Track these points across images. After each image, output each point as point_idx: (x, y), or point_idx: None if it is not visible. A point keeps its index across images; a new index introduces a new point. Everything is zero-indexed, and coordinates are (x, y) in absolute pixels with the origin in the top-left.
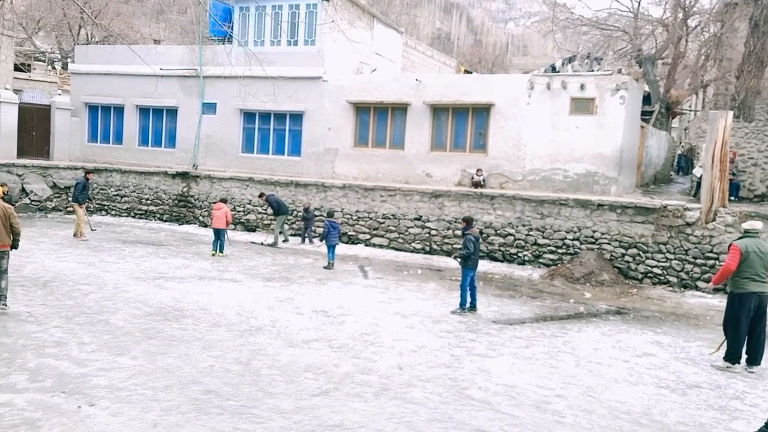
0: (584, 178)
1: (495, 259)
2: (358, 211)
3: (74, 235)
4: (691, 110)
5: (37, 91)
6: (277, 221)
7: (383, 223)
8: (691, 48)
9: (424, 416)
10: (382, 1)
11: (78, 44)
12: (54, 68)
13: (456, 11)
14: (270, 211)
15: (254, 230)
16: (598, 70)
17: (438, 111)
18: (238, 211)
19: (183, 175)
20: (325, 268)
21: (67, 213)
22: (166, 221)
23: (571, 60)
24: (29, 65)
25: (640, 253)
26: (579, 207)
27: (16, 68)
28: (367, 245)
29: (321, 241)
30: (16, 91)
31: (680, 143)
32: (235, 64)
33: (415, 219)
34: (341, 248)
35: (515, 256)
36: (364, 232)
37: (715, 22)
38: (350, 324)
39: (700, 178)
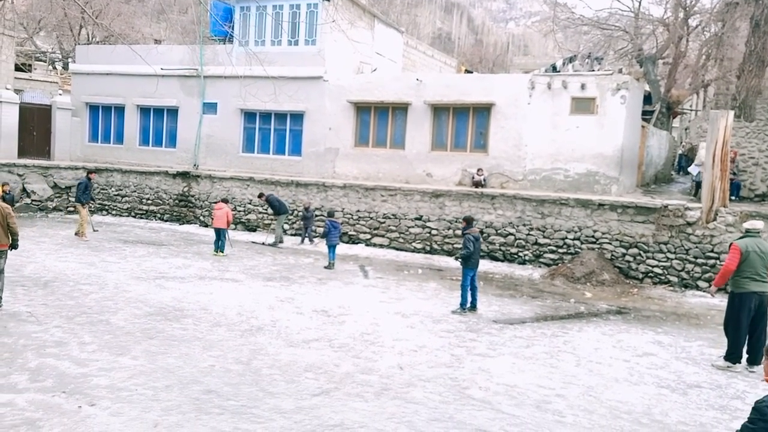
0: (585, 177)
1: (496, 259)
2: (358, 211)
3: (76, 233)
4: (691, 110)
5: (38, 91)
6: (278, 221)
7: (384, 222)
8: (691, 47)
9: (424, 416)
10: (383, 1)
11: (79, 44)
12: (55, 68)
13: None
14: (271, 210)
15: (255, 230)
16: (598, 70)
17: (439, 111)
18: (239, 211)
19: (184, 175)
20: (325, 267)
21: (68, 213)
22: (166, 221)
23: (571, 60)
24: (30, 65)
25: (641, 252)
26: (580, 207)
27: (17, 68)
28: (367, 245)
29: (321, 238)
30: (17, 91)
31: (681, 143)
32: (235, 64)
33: (416, 219)
34: (342, 248)
35: (516, 256)
36: (365, 232)
37: (716, 22)
38: (351, 324)
39: (697, 175)
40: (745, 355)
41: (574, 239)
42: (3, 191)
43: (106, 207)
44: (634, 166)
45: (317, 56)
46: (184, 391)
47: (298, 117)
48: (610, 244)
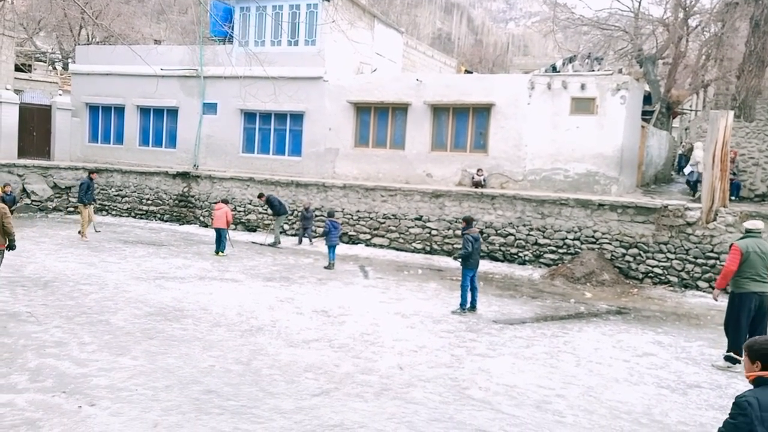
0: (585, 177)
1: (495, 259)
2: (358, 211)
3: (79, 232)
4: (691, 110)
5: (38, 91)
6: (277, 221)
7: (384, 223)
8: (691, 48)
9: (424, 416)
10: (383, 1)
11: (79, 44)
12: (55, 68)
13: (456, 11)
14: (270, 211)
15: (255, 230)
16: (598, 70)
17: (438, 111)
18: (239, 211)
19: (183, 175)
20: (325, 268)
21: (68, 213)
22: (166, 221)
23: (571, 60)
24: (30, 65)
25: (641, 252)
26: (579, 207)
27: (17, 68)
28: (367, 245)
29: (321, 238)
30: (17, 92)
31: (681, 143)
32: (235, 65)
33: (416, 219)
34: (342, 248)
35: (516, 256)
36: (365, 232)
37: (715, 22)
38: (351, 324)
39: (689, 174)
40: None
41: (574, 239)
42: (4, 192)
43: (106, 207)
44: (634, 167)
45: (317, 56)
46: (184, 391)
47: (298, 117)
48: (610, 244)
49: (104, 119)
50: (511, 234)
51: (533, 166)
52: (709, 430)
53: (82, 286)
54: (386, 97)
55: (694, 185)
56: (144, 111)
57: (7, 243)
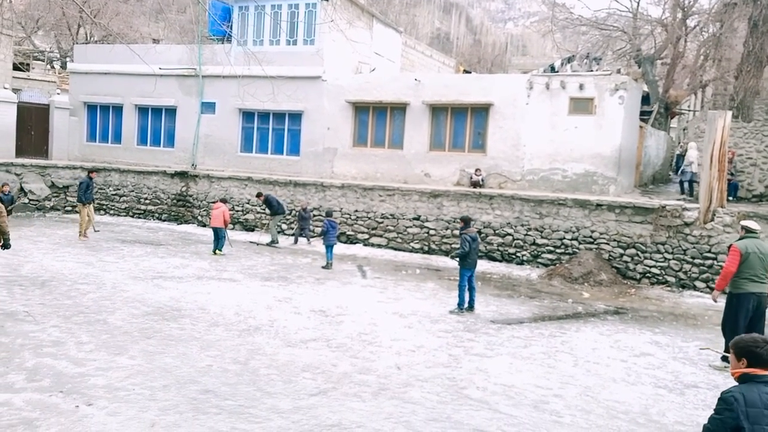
0: (583, 178)
1: (493, 259)
2: (356, 211)
3: (80, 233)
4: (689, 110)
5: (36, 90)
6: (273, 220)
7: (382, 222)
8: (690, 48)
9: (422, 416)
10: (382, 1)
11: (77, 43)
12: (53, 67)
13: (455, 11)
14: (268, 210)
15: (253, 230)
16: (597, 70)
17: (437, 111)
18: (237, 211)
19: (182, 175)
20: (323, 267)
21: (66, 212)
22: (164, 221)
23: (570, 60)
24: (28, 64)
25: (639, 253)
26: (577, 207)
27: (15, 67)
28: (365, 245)
29: (319, 237)
30: (15, 91)
31: (679, 143)
32: (234, 64)
33: (414, 219)
34: (340, 248)
35: (514, 256)
36: (363, 232)
37: (714, 22)
38: (348, 324)
39: (683, 174)
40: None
41: (571, 239)
42: (2, 191)
43: (104, 207)
44: (632, 167)
45: (315, 56)
46: (181, 390)
47: (296, 117)
48: (608, 244)
49: (102, 118)
50: (509, 234)
51: (531, 166)
52: None
53: (80, 286)
54: (385, 97)
55: (690, 185)
56: (142, 110)
57: (2, 242)
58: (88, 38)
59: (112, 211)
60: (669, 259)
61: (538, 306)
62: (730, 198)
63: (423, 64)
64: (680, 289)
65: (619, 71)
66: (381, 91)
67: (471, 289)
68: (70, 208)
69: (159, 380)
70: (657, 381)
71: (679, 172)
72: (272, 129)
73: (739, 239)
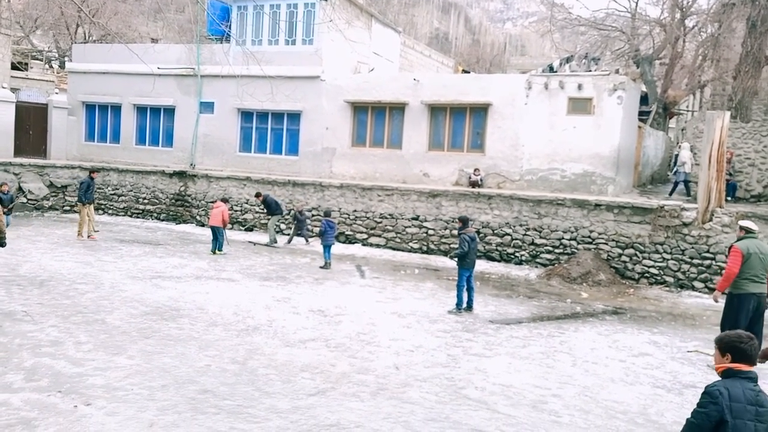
0: (581, 178)
1: (492, 259)
2: (355, 211)
3: (88, 236)
4: (688, 110)
5: (35, 89)
6: (272, 221)
7: (380, 222)
8: (688, 48)
9: (420, 416)
10: (380, 1)
11: (75, 43)
12: (51, 67)
13: (454, 11)
14: (266, 210)
15: (251, 230)
16: (595, 70)
17: (436, 111)
18: (236, 211)
19: (180, 175)
20: (321, 267)
21: (64, 212)
22: (163, 220)
23: (568, 60)
24: (26, 64)
25: (637, 253)
26: (576, 207)
27: (14, 67)
28: (364, 245)
29: (318, 237)
30: (14, 90)
31: (677, 143)
32: (232, 64)
33: (413, 219)
34: (338, 248)
35: (512, 256)
36: (362, 232)
37: (712, 23)
38: (347, 323)
39: (676, 175)
40: None
41: (570, 239)
42: (1, 191)
43: (103, 206)
44: (630, 167)
45: (314, 56)
46: (180, 390)
47: (295, 116)
48: (607, 244)
49: (101, 118)
50: (508, 234)
51: (530, 166)
52: None
53: (78, 285)
54: (383, 97)
55: (685, 186)
56: (141, 110)
57: None
58: (87, 38)
59: (110, 211)
60: (667, 259)
61: (537, 306)
62: (729, 198)
63: (422, 64)
64: (678, 289)
65: (617, 71)
66: (380, 91)
67: (469, 289)
68: (68, 208)
69: (157, 380)
70: (655, 381)
71: (673, 172)
72: (271, 129)
73: (738, 240)
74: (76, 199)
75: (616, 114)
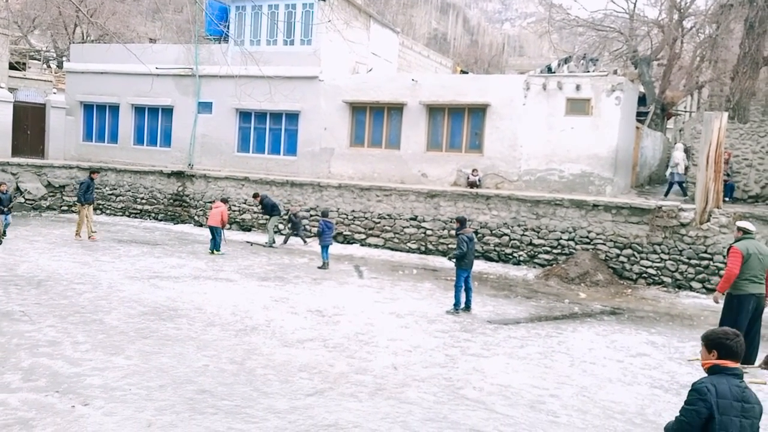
0: (579, 178)
1: (490, 259)
2: (353, 211)
3: (88, 236)
4: (686, 111)
5: (33, 89)
6: (271, 221)
7: (379, 222)
8: (686, 49)
9: (418, 416)
10: (379, 1)
11: (73, 43)
12: (49, 67)
13: (452, 11)
14: (264, 211)
15: (249, 230)
16: (593, 71)
17: (434, 111)
18: (234, 211)
19: (178, 175)
20: (319, 267)
21: (62, 212)
22: (161, 220)
23: (566, 61)
24: (24, 64)
25: (635, 253)
26: (574, 207)
27: (11, 67)
28: (362, 245)
29: (316, 237)
30: (11, 90)
31: (675, 144)
32: (231, 64)
33: (411, 219)
34: (337, 248)
35: (510, 256)
36: (360, 232)
37: (710, 24)
38: (345, 324)
39: (670, 176)
40: None
41: (568, 240)
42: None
43: (101, 206)
44: (628, 167)
45: (313, 56)
46: (177, 390)
47: (293, 117)
48: (605, 244)
49: (99, 118)
50: (506, 234)
51: (528, 167)
52: None
53: (76, 285)
54: (382, 97)
55: (681, 187)
56: (139, 110)
57: None
58: (85, 37)
59: (108, 211)
60: (665, 260)
61: (535, 306)
62: (726, 199)
63: (420, 64)
64: (676, 289)
65: (615, 72)
66: (378, 91)
67: (468, 290)
68: (66, 208)
69: (155, 380)
70: (653, 381)
71: (667, 173)
72: (269, 129)
73: (737, 241)
74: (75, 199)
75: (614, 115)
